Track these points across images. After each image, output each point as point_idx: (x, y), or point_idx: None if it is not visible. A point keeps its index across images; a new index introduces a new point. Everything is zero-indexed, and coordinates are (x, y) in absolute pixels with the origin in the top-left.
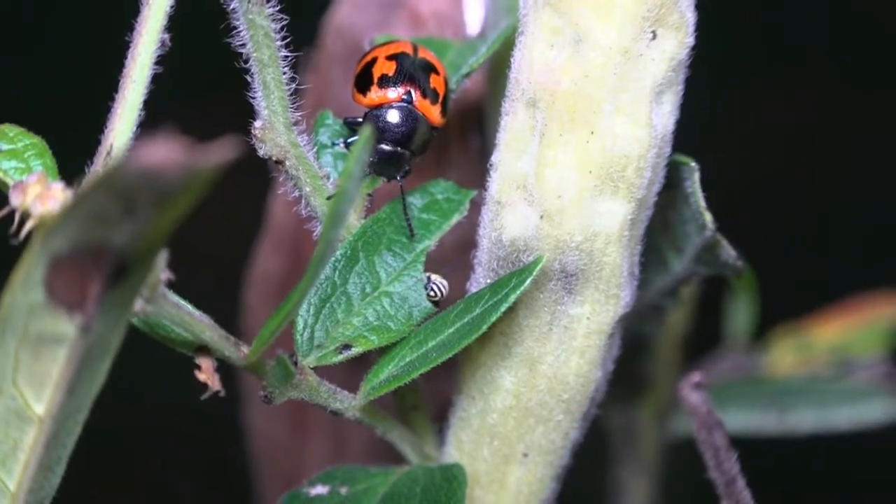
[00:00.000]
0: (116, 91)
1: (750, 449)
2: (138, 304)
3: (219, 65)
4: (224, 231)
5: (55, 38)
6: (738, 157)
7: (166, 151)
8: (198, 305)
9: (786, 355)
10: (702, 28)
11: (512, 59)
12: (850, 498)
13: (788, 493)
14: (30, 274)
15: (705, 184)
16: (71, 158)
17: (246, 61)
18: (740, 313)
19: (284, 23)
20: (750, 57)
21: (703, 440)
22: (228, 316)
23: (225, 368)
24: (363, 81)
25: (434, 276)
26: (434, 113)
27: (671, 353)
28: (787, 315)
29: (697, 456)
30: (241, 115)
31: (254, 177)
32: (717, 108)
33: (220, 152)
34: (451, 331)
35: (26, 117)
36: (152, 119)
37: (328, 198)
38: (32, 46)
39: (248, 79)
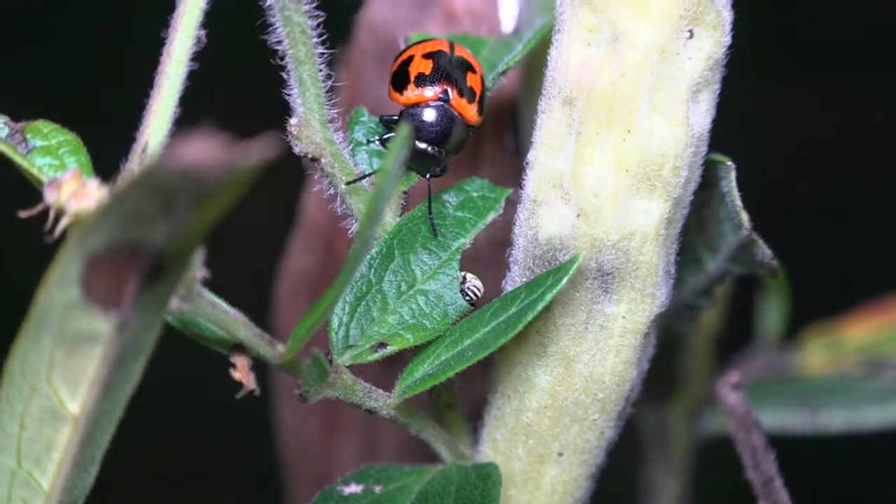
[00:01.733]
0: (152, 88)
1: (785, 448)
2: (174, 303)
3: (253, 62)
4: (255, 227)
5: (91, 34)
6: (769, 156)
7: (206, 149)
8: (229, 303)
9: (816, 355)
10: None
11: (548, 57)
12: (883, 498)
13: (822, 494)
14: (65, 272)
15: (740, 183)
16: (106, 155)
17: (282, 58)
18: (771, 312)
19: (320, 20)
20: (783, 54)
21: (740, 440)
22: (259, 313)
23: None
24: (400, 80)
25: (469, 277)
26: (471, 112)
27: (703, 351)
28: (817, 314)
29: (729, 454)
30: (274, 112)
31: (286, 174)
32: (751, 106)
33: (260, 150)
34: (486, 329)
35: (61, 114)
36: (187, 116)
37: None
38: (68, 42)
39: (284, 76)
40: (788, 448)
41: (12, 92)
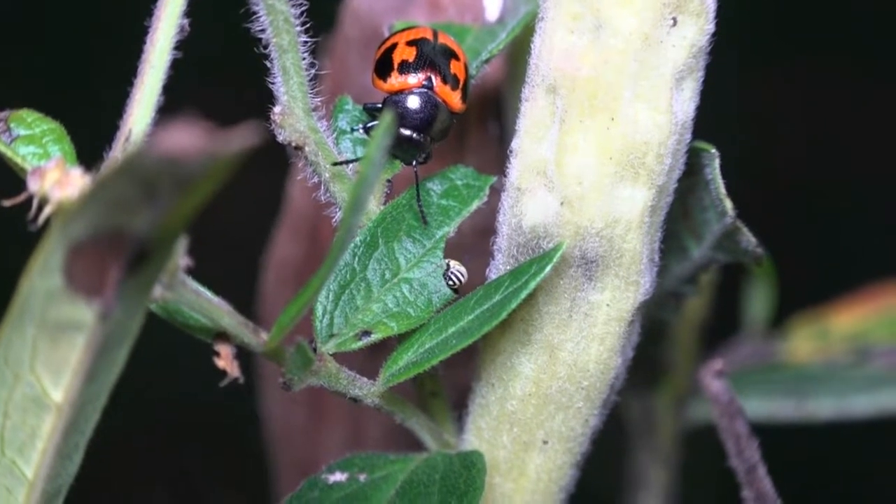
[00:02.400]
0: (135, 76)
1: (769, 436)
2: (157, 291)
3: (237, 50)
4: (239, 216)
5: (74, 23)
6: (755, 144)
7: (188, 137)
8: (213, 291)
9: (804, 342)
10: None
11: (532, 45)
12: (868, 486)
13: (807, 481)
14: (48, 260)
15: (724, 170)
16: (89, 144)
17: (265, 47)
18: (758, 300)
19: (304, 8)
20: (768, 42)
21: (724, 428)
22: (243, 302)
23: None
24: (383, 67)
25: (453, 264)
26: (454, 99)
27: (689, 339)
28: (805, 302)
29: (715, 442)
30: (258, 100)
31: (270, 162)
32: (736, 93)
33: (243, 138)
34: (470, 317)
35: (44, 103)
36: (170, 105)
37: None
38: (51, 31)
39: (268, 64)
40: (775, 436)
41: None
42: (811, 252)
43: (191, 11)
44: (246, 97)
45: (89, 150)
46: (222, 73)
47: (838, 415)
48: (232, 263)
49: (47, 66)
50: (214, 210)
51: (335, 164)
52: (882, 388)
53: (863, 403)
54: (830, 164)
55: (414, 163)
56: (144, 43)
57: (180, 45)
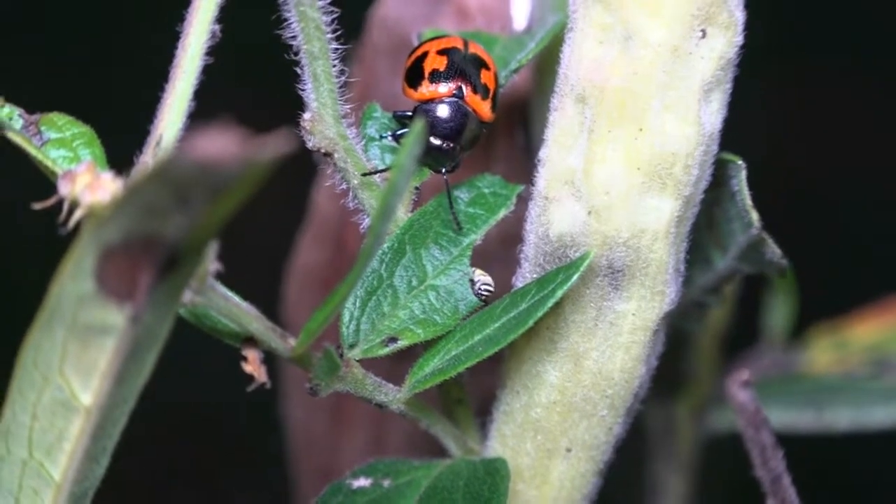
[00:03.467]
0: (167, 81)
1: (792, 447)
2: (187, 296)
3: (267, 57)
4: (266, 222)
5: (108, 28)
6: (778, 155)
7: (222, 143)
8: (240, 297)
9: (822, 354)
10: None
11: (561, 55)
12: (888, 497)
13: (828, 493)
14: (80, 264)
15: (750, 182)
16: (120, 148)
17: (296, 53)
18: (778, 311)
19: (335, 15)
20: (794, 51)
21: (749, 438)
22: (269, 307)
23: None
24: (414, 76)
25: (478, 273)
26: (484, 108)
27: (710, 349)
28: (824, 313)
29: (735, 452)
30: (288, 107)
31: (297, 169)
32: (761, 104)
33: (277, 145)
34: (497, 325)
35: (75, 106)
36: (201, 110)
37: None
38: (84, 36)
39: (298, 71)
40: (793, 446)
41: (26, 83)
42: (831, 263)
43: (222, 17)
44: (276, 104)
45: (120, 155)
46: (252, 79)
47: (856, 426)
48: (258, 269)
49: (76, 69)
50: (241, 215)
51: (365, 174)
52: None
53: (880, 414)
54: (852, 174)
55: (443, 171)
56: (176, 48)
57: (211, 51)
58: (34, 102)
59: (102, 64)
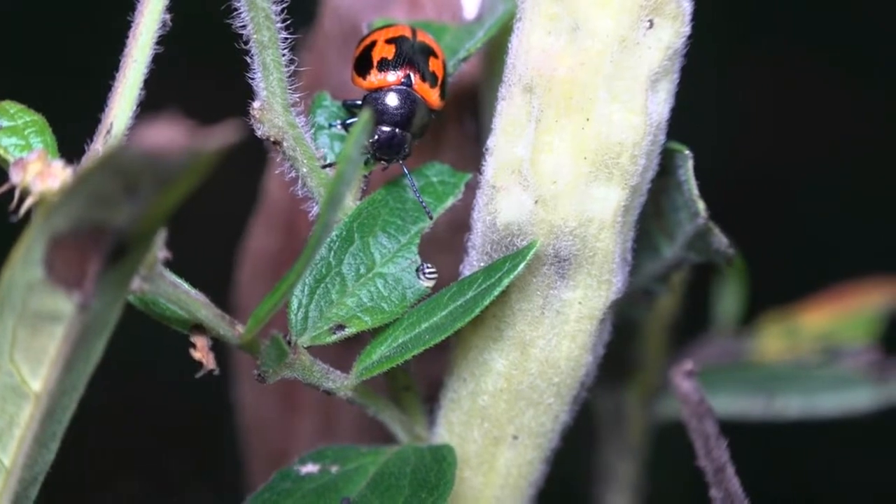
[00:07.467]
0: (117, 70)
1: (738, 435)
2: (136, 283)
3: (217, 46)
4: (217, 208)
5: (58, 17)
6: (726, 143)
7: (170, 133)
8: (188, 282)
9: (773, 341)
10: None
11: (509, 45)
12: (836, 484)
13: (776, 480)
14: (29, 251)
15: (696, 171)
16: (71, 136)
17: (246, 42)
18: (728, 298)
19: (285, 4)
20: (739, 38)
21: (693, 428)
22: (220, 294)
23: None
24: (362, 64)
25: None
26: (433, 96)
27: (659, 337)
28: (774, 301)
29: (683, 439)
30: (238, 96)
31: (249, 155)
32: (706, 91)
33: (224, 135)
34: (444, 313)
35: (27, 95)
36: (151, 98)
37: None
38: (33, 24)
39: (248, 59)
40: (742, 433)
41: None
42: (782, 251)
43: (172, 6)
44: (225, 92)
45: (70, 143)
46: (202, 67)
47: (806, 413)
48: (208, 255)
49: (28, 57)
50: (191, 202)
51: (325, 166)
52: (849, 388)
53: (831, 402)
54: (801, 162)
55: (400, 159)
56: (127, 37)
57: (162, 40)
58: None
59: (56, 52)
